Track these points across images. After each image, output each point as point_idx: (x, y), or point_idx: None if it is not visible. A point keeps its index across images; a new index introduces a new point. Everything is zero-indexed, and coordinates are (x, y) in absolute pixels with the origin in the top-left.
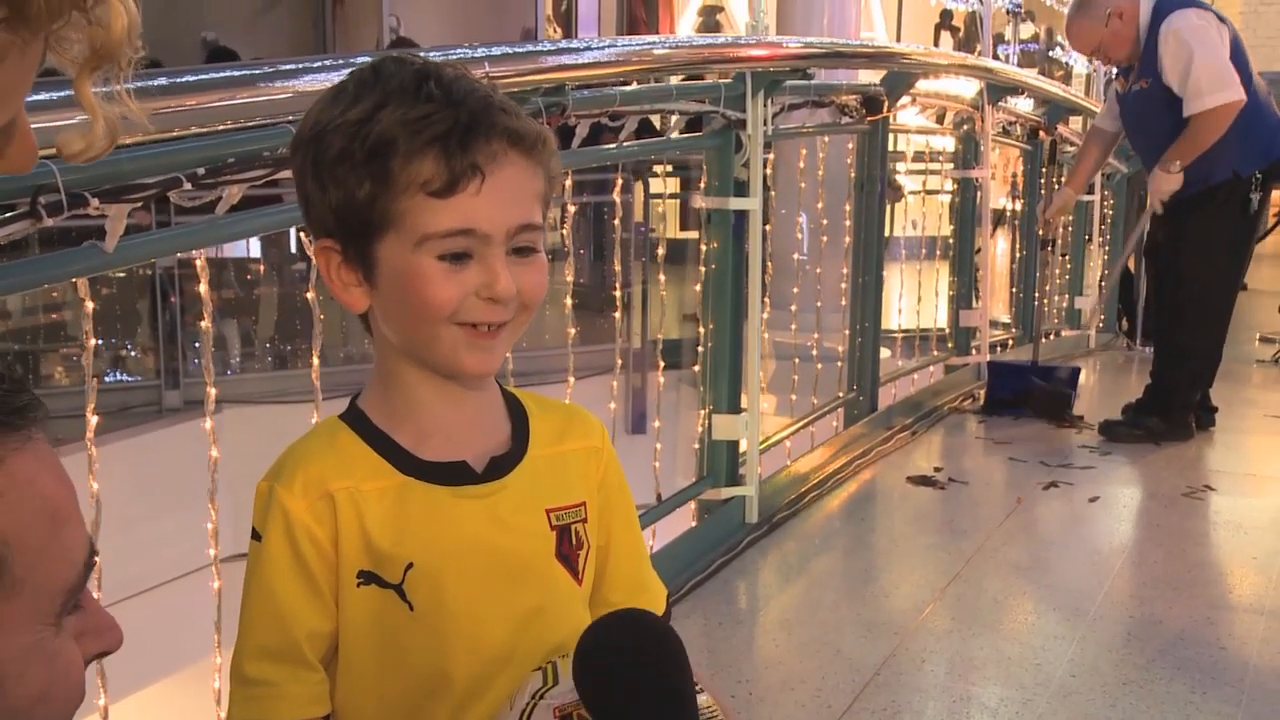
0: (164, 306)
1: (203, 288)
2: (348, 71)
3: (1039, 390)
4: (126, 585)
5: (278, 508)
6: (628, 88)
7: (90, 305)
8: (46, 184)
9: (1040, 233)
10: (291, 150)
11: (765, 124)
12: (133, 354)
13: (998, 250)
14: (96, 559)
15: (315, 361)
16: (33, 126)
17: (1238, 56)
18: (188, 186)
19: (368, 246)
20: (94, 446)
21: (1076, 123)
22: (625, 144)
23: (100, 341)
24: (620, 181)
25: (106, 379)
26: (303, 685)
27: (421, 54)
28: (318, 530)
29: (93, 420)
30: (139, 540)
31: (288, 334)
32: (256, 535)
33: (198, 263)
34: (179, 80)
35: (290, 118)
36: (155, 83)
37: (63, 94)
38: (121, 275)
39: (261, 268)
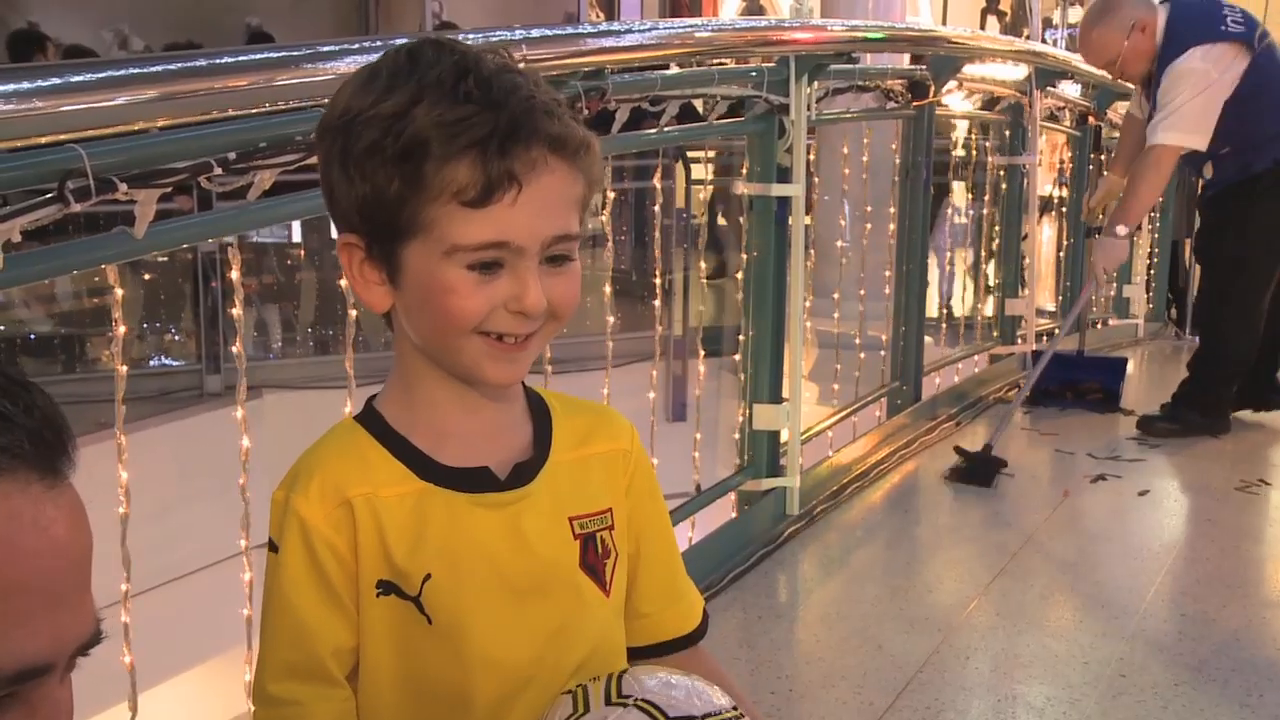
0: (205, 291)
1: (235, 274)
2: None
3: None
4: (166, 570)
5: (294, 518)
6: (669, 72)
7: (119, 292)
8: (74, 168)
9: (1085, 220)
10: (318, 135)
11: (809, 109)
12: (176, 338)
13: (1044, 239)
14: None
15: (349, 350)
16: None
17: (1265, 72)
18: (218, 171)
19: (393, 247)
20: (130, 433)
21: (1125, 108)
22: (666, 129)
23: (145, 326)
24: (660, 168)
25: (150, 363)
26: (329, 703)
27: (460, 36)
28: (336, 539)
29: (122, 409)
30: (179, 525)
31: (329, 319)
32: (273, 547)
33: (230, 250)
34: (218, 61)
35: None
36: (195, 64)
37: (95, 75)
38: (164, 259)
39: (302, 252)
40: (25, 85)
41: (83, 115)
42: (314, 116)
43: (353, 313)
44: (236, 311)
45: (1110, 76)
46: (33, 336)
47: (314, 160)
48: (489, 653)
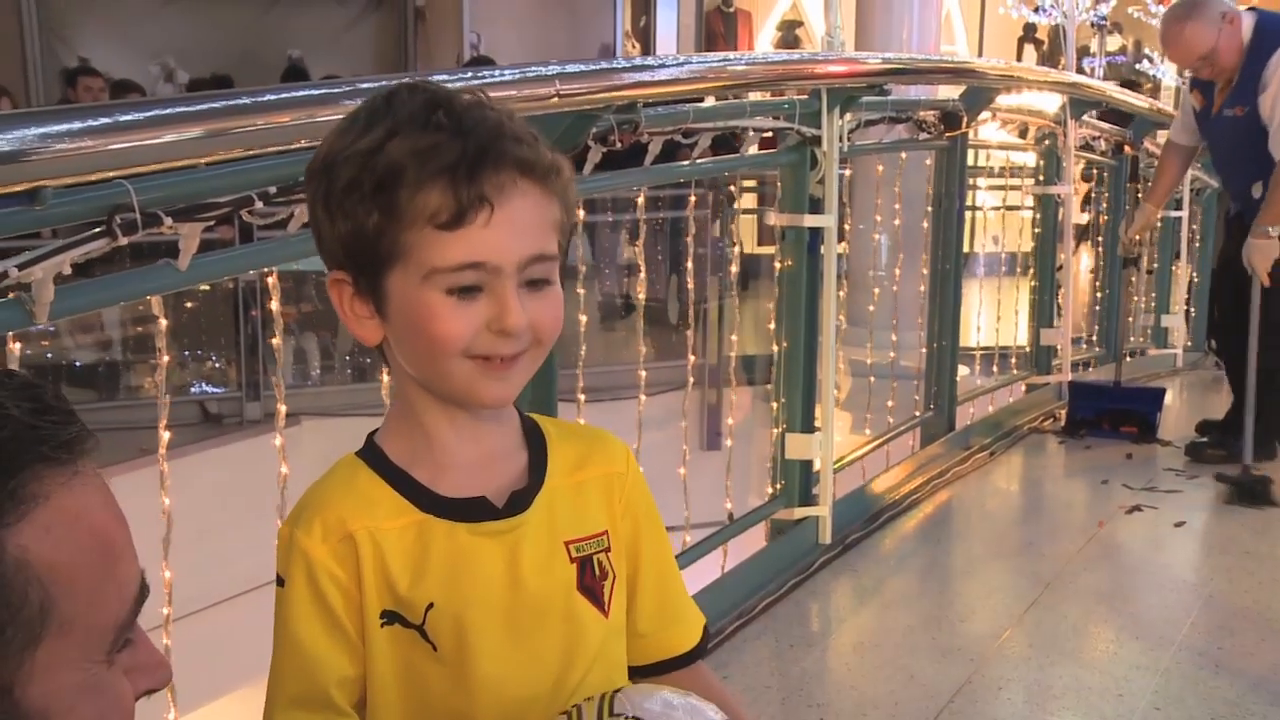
0: (245, 320)
1: (274, 304)
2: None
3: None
4: (205, 596)
5: (299, 553)
6: (702, 104)
7: (164, 322)
8: (123, 203)
9: (1122, 252)
10: (306, 181)
11: (841, 140)
12: (217, 366)
13: (1080, 267)
14: (147, 593)
15: (384, 378)
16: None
17: None
18: (259, 205)
19: (378, 279)
20: (171, 461)
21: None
22: (699, 161)
23: (187, 354)
24: (694, 199)
25: (191, 390)
26: None
27: (496, 72)
28: (340, 572)
29: (165, 436)
30: (219, 550)
31: (366, 347)
32: (280, 581)
33: (269, 280)
34: (261, 99)
35: None
36: (239, 101)
37: (145, 114)
38: (205, 289)
39: None
40: (76, 125)
41: (131, 153)
42: None
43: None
44: (276, 341)
45: (1190, 73)
46: (78, 364)
47: None
48: (493, 677)
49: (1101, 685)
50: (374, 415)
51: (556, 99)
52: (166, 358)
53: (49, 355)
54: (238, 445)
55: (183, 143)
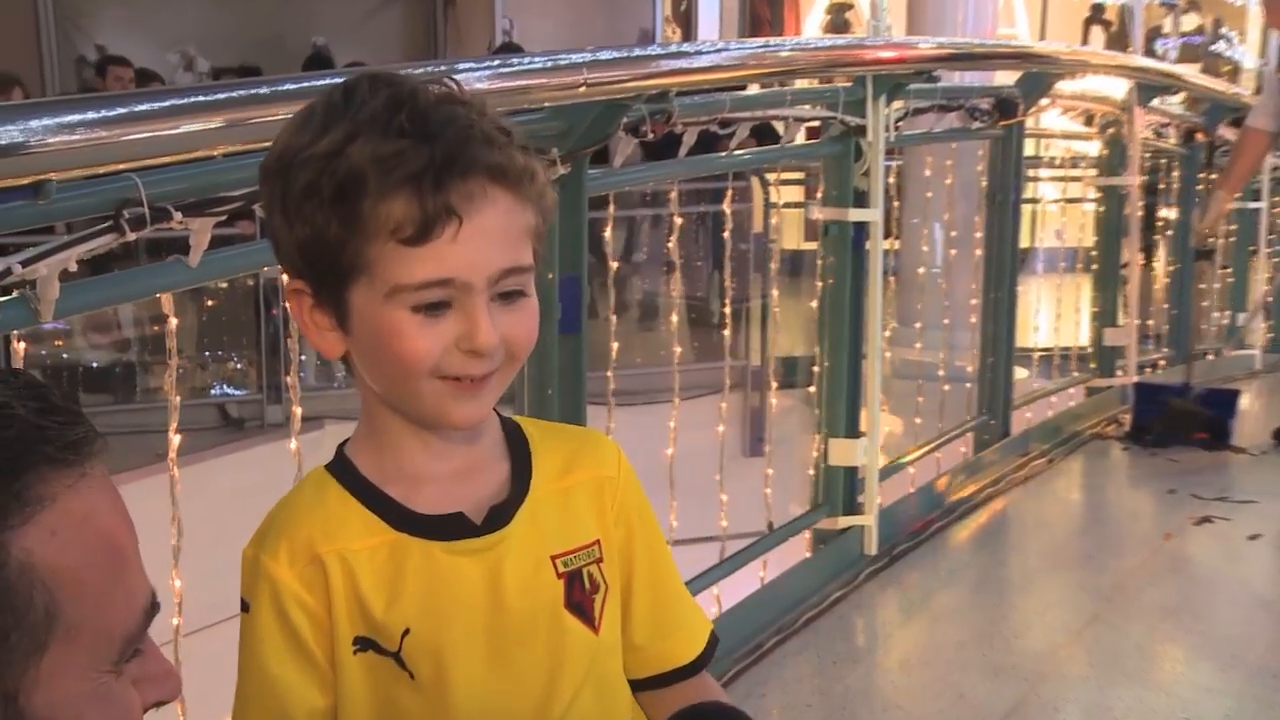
0: (266, 318)
1: (290, 304)
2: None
3: (1173, 408)
4: (224, 607)
5: (264, 578)
6: (739, 93)
7: (174, 321)
8: (130, 197)
9: (1195, 244)
10: (260, 179)
11: (887, 130)
12: (238, 367)
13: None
14: (158, 609)
15: None
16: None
17: None
18: None
19: (339, 291)
20: (188, 466)
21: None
22: (736, 152)
23: (207, 354)
24: (731, 192)
25: (211, 393)
26: None
27: (526, 60)
28: (308, 597)
29: (175, 440)
30: (233, 561)
31: None
32: (245, 606)
33: (283, 278)
34: (281, 89)
35: None
36: (259, 91)
37: (158, 104)
38: (224, 285)
39: None
40: (91, 115)
41: (141, 145)
42: None
43: None
44: (293, 341)
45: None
46: (94, 365)
47: None
48: (475, 706)
49: (1167, 709)
50: None
51: (585, 88)
52: (177, 358)
53: (64, 355)
54: (258, 450)
55: (198, 134)
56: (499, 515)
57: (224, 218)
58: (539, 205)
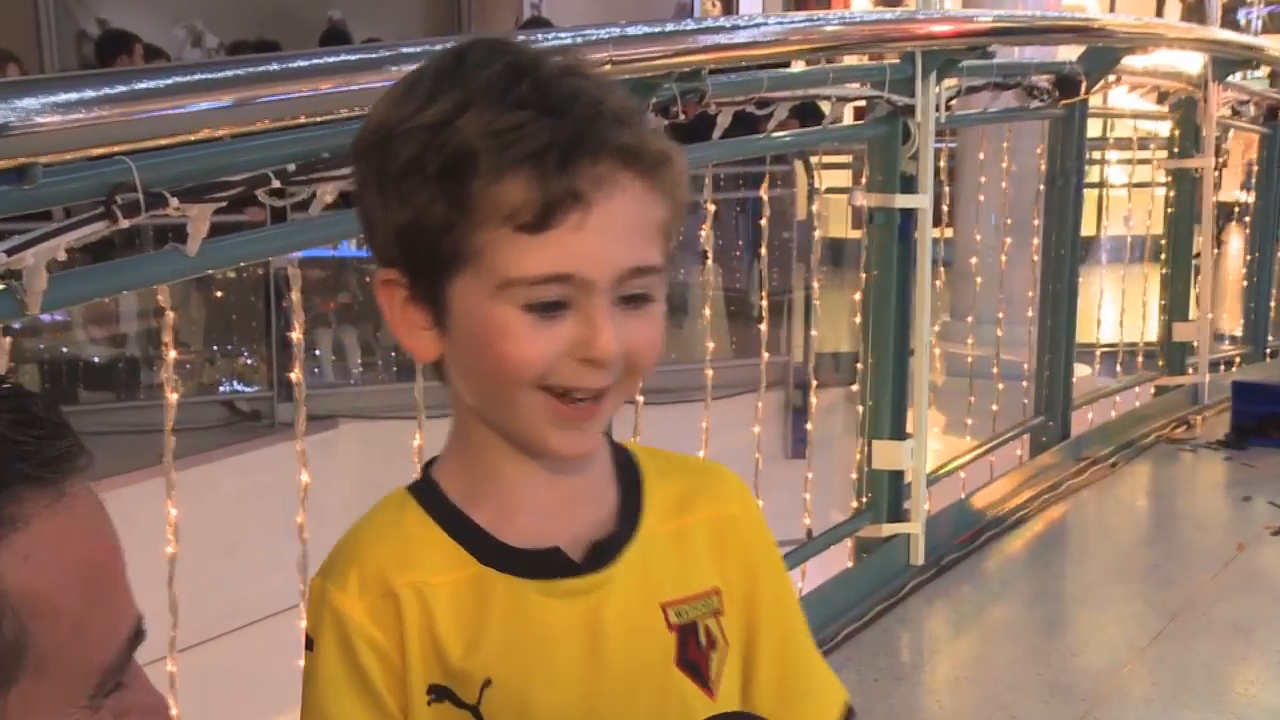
0: (277, 311)
1: (295, 294)
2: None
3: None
4: (230, 617)
5: (330, 611)
6: (777, 71)
7: (170, 314)
8: (123, 182)
9: None
10: (353, 155)
11: (938, 110)
12: (249, 363)
13: (1230, 252)
14: (144, 637)
15: (419, 379)
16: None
17: None
18: (276, 184)
19: (439, 283)
20: (195, 467)
21: None
22: (774, 134)
23: (215, 348)
24: (768, 177)
25: (220, 389)
26: None
27: (548, 35)
28: (379, 636)
29: (171, 441)
30: (246, 567)
31: None
32: (309, 644)
33: (289, 268)
34: (291, 66)
35: None
36: (269, 68)
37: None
38: (232, 275)
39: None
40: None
41: (141, 125)
42: None
43: None
44: (296, 335)
45: None
46: (96, 360)
47: None
48: None
49: None
50: (416, 419)
51: (610, 66)
52: (178, 353)
53: (64, 350)
54: (269, 450)
55: (201, 114)
56: (602, 552)
57: (224, 204)
58: (672, 196)
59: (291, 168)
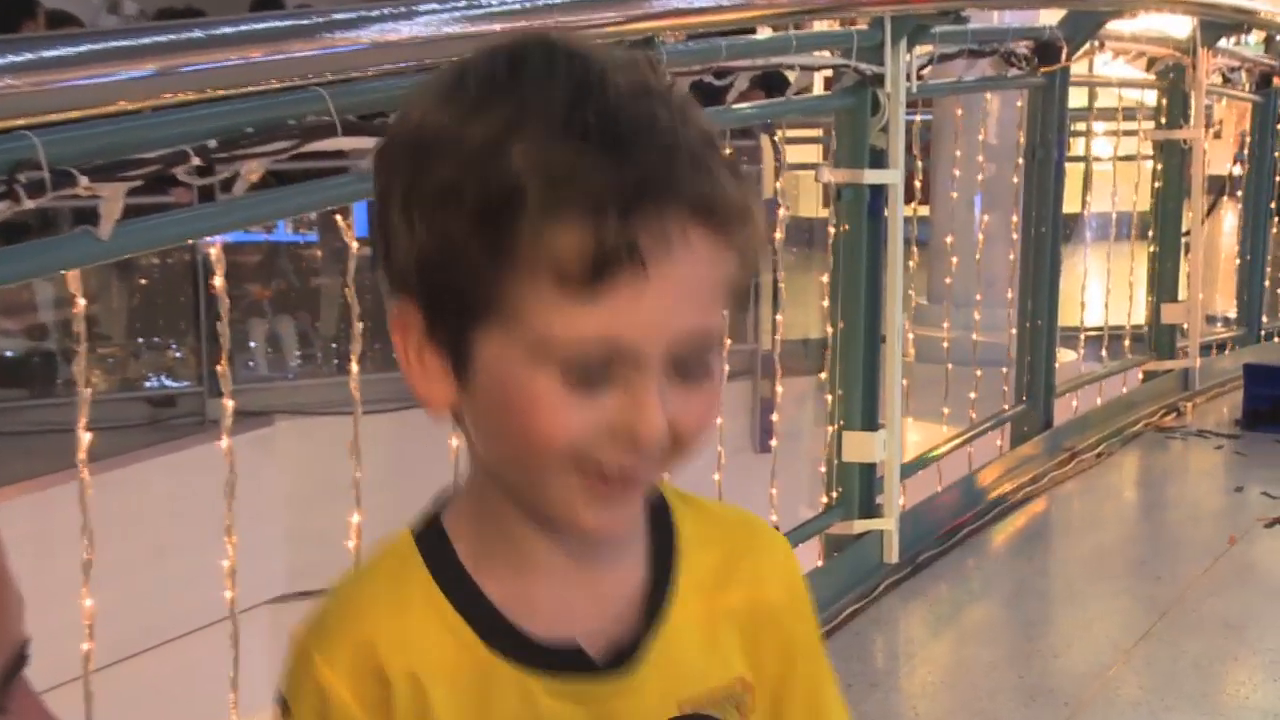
0: (207, 301)
1: (218, 280)
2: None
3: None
4: (159, 630)
5: (312, 683)
6: (737, 38)
7: (82, 302)
8: (26, 159)
9: None
10: (378, 157)
11: (909, 79)
12: (178, 356)
13: (1224, 229)
14: (25, 663)
15: (354, 368)
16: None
17: None
18: (196, 161)
19: (464, 329)
20: (120, 469)
21: None
22: (734, 106)
23: (141, 341)
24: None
25: (147, 384)
26: None
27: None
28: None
29: (85, 438)
30: (176, 575)
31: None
32: (284, 706)
33: (211, 252)
34: (216, 33)
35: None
36: (190, 35)
37: (72, 49)
38: (156, 262)
39: (320, 253)
40: None
41: (43, 98)
42: (312, 97)
43: (355, 325)
44: (222, 326)
45: None
46: (8, 354)
47: (315, 147)
48: None
49: None
50: (365, 413)
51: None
52: (96, 346)
53: None
54: (201, 449)
55: (117, 85)
56: (625, 653)
57: (140, 183)
58: (746, 253)
59: (213, 144)
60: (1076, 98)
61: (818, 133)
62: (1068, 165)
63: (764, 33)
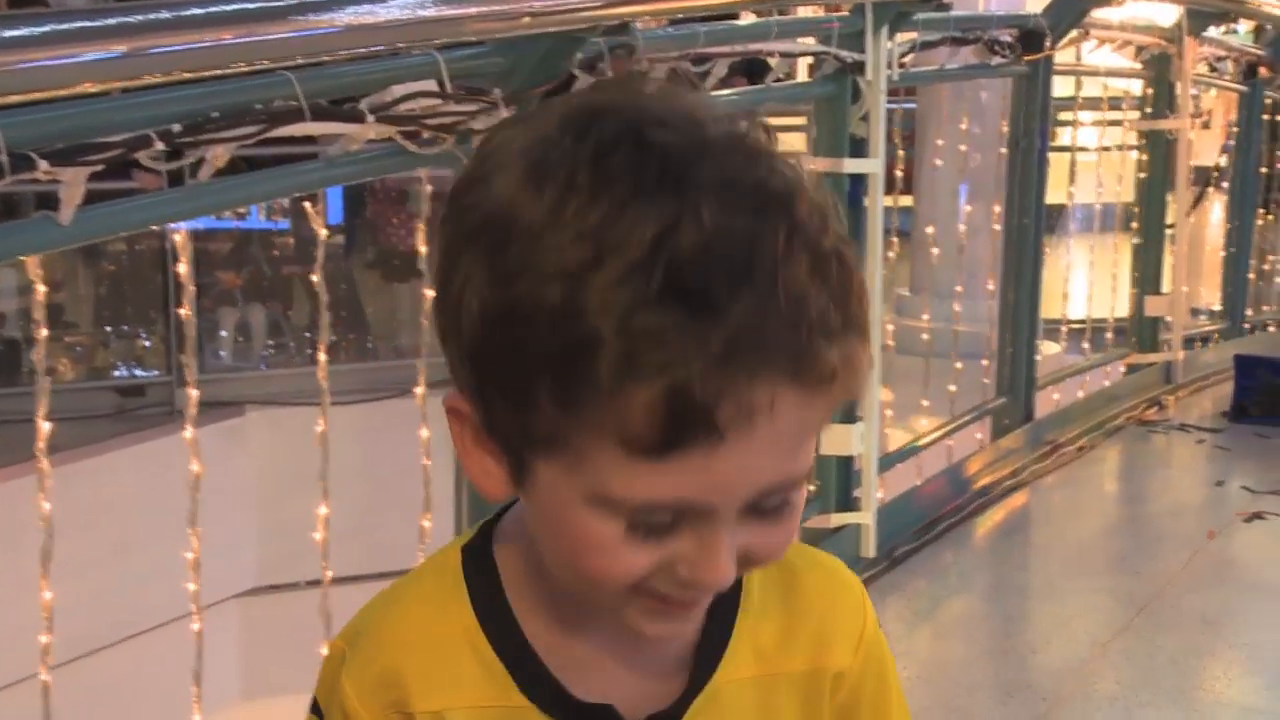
0: (176, 288)
1: (183, 267)
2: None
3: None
4: (127, 624)
5: (341, 698)
6: (716, 24)
7: (42, 289)
8: None
9: None
10: (450, 212)
11: (890, 67)
12: (147, 345)
13: (1212, 221)
14: None
15: (322, 356)
16: None
17: None
18: (160, 146)
19: (523, 450)
20: (85, 460)
21: None
22: (711, 93)
23: (110, 329)
24: None
25: (115, 373)
26: None
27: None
28: None
29: (44, 427)
30: (145, 568)
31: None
32: (316, 710)
33: (176, 238)
34: (184, 15)
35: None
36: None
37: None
38: (123, 249)
39: (293, 240)
40: None
41: (4, 78)
42: (277, 81)
43: (326, 313)
44: (185, 312)
45: None
46: None
47: (282, 132)
48: None
49: None
50: (337, 404)
51: (529, 19)
52: (45, 332)
53: None
54: (169, 439)
55: (81, 67)
56: (665, 717)
57: (101, 168)
58: (844, 391)
59: (178, 128)
60: (1063, 87)
61: (802, 120)
62: (1054, 155)
63: (749, 19)
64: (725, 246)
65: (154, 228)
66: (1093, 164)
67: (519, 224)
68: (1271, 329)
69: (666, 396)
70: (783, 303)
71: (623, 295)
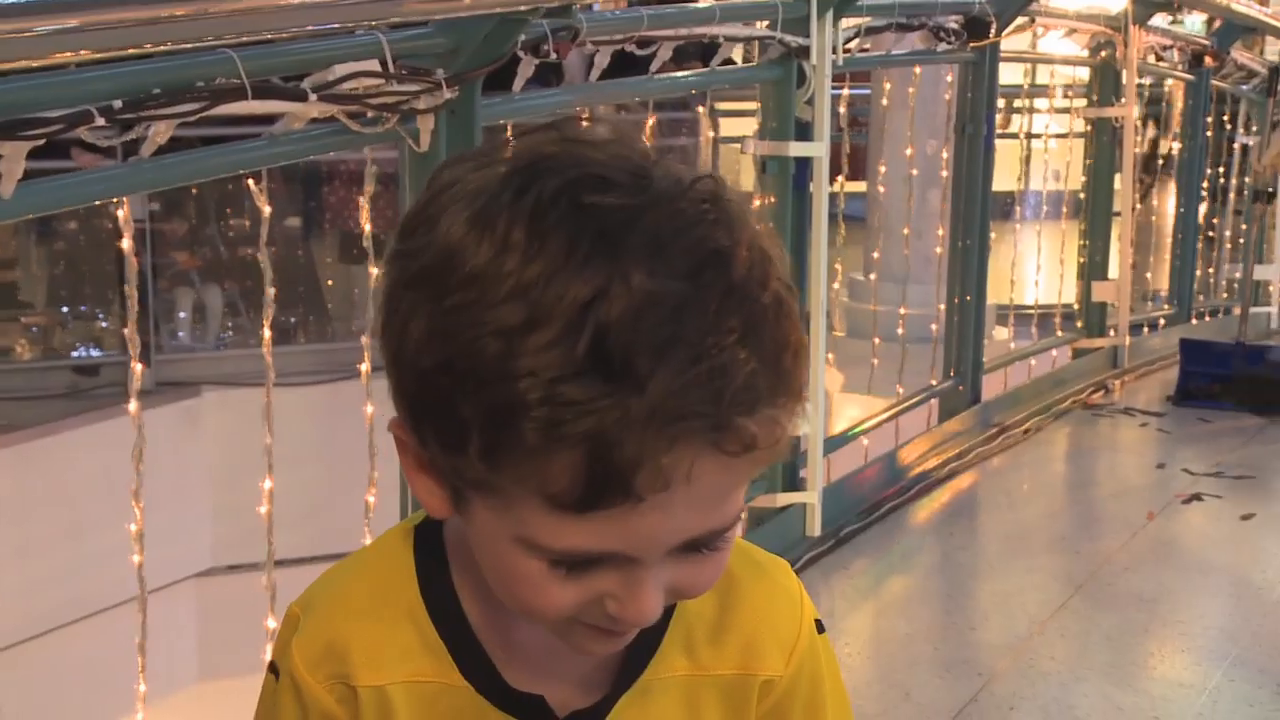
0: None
1: (126, 242)
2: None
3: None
4: (82, 604)
5: (292, 665)
6: (661, 8)
7: None
8: None
9: (1253, 182)
10: (395, 257)
11: (834, 52)
12: (103, 324)
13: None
14: None
15: (267, 334)
16: None
17: None
18: (101, 122)
19: (460, 486)
20: (36, 440)
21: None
22: (657, 76)
23: (66, 310)
24: (651, 121)
25: (74, 354)
26: None
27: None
28: (339, 712)
29: None
30: (100, 549)
31: (287, 301)
32: (273, 669)
33: (120, 214)
34: None
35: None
36: None
37: None
38: (74, 226)
39: (248, 222)
40: None
41: None
42: (222, 59)
43: (271, 290)
44: (130, 290)
45: None
46: None
47: (225, 109)
48: None
49: (1134, 706)
50: (294, 384)
51: (471, 0)
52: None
53: None
54: (123, 419)
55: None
56: (590, 713)
57: (42, 142)
58: (768, 455)
59: (119, 104)
60: (1012, 74)
61: (754, 105)
62: (1004, 143)
63: (694, 2)
64: (652, 315)
65: (98, 203)
66: (1045, 151)
67: (460, 273)
68: (1222, 314)
69: (587, 460)
70: (705, 373)
71: (550, 360)
